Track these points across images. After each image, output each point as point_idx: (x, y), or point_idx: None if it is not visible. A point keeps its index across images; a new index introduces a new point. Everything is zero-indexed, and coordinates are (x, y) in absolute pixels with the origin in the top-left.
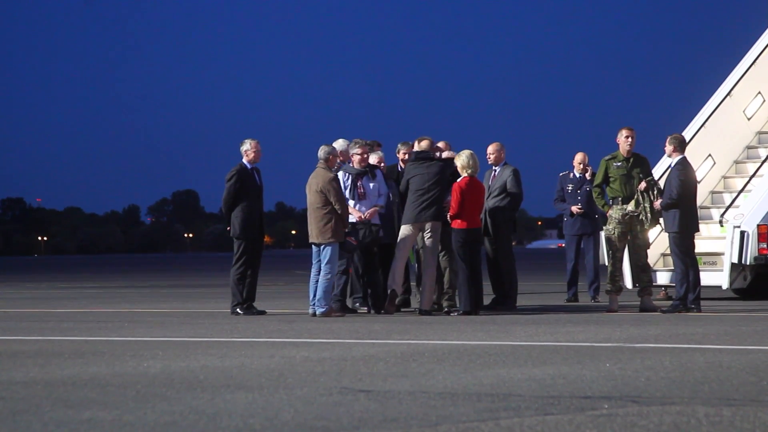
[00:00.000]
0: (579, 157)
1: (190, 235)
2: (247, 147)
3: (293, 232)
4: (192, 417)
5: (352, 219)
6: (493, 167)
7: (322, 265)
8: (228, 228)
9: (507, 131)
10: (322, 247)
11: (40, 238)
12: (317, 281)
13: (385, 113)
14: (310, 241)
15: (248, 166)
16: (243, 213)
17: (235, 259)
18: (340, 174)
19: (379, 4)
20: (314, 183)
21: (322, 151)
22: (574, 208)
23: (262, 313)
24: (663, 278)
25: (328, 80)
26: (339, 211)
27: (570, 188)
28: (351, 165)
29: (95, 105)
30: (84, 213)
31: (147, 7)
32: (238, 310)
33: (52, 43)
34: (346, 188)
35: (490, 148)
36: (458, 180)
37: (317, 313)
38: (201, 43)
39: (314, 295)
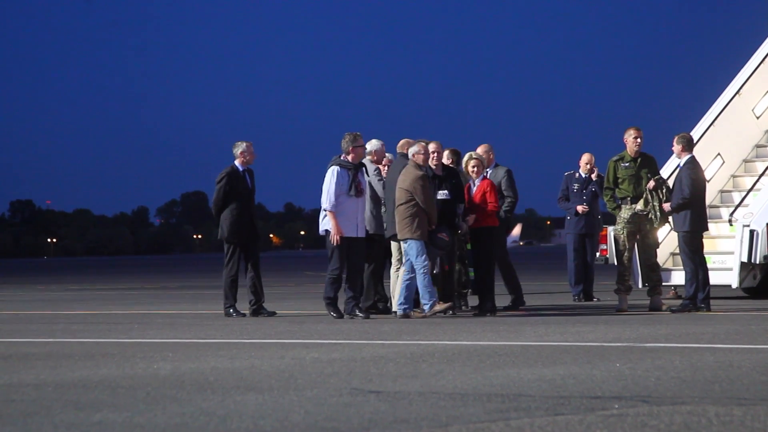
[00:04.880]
0: (585, 157)
1: (199, 237)
2: (242, 149)
3: (302, 232)
4: (202, 418)
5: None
6: (485, 169)
7: (413, 262)
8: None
9: (515, 131)
10: (405, 243)
11: (49, 240)
12: (407, 280)
13: (395, 112)
14: (397, 237)
15: (240, 168)
16: (232, 216)
17: (225, 261)
18: (336, 169)
19: (387, 4)
20: (401, 180)
21: (412, 148)
22: (580, 208)
23: (273, 314)
24: (676, 278)
25: (337, 81)
26: (425, 209)
27: (576, 188)
28: (346, 160)
29: (104, 107)
30: (93, 215)
31: (155, 6)
32: (231, 311)
33: (60, 45)
34: (343, 184)
35: (480, 150)
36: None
37: (426, 310)
38: (210, 44)
39: (401, 296)
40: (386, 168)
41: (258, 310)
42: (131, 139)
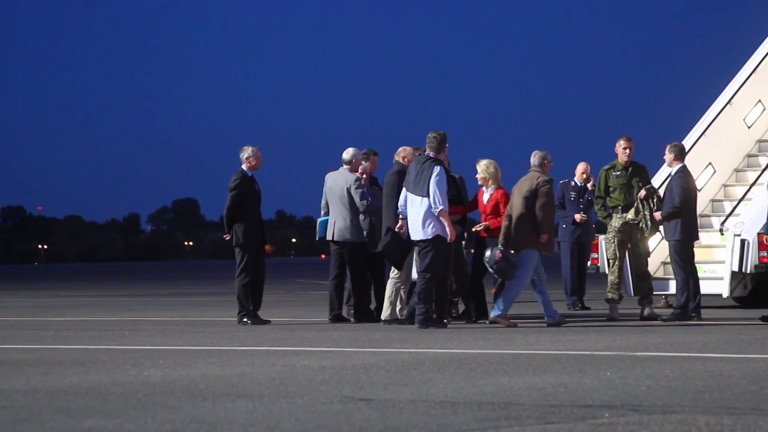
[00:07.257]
0: (581, 166)
1: (191, 243)
2: (248, 154)
3: (293, 240)
4: (193, 426)
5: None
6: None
7: (522, 270)
8: (226, 236)
9: (508, 140)
10: (523, 250)
11: (40, 246)
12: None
13: (385, 120)
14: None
15: (249, 173)
16: (246, 222)
17: (240, 269)
18: (442, 170)
19: (381, 10)
20: (524, 186)
21: (536, 157)
22: (578, 216)
23: (266, 322)
24: (671, 287)
25: (327, 87)
26: (539, 218)
27: (572, 196)
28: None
29: (96, 113)
30: (84, 221)
31: (148, 14)
32: (245, 319)
33: (52, 50)
34: (444, 184)
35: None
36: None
37: (493, 314)
38: (201, 50)
39: (501, 302)
40: (364, 175)
41: (254, 317)
42: (123, 145)
